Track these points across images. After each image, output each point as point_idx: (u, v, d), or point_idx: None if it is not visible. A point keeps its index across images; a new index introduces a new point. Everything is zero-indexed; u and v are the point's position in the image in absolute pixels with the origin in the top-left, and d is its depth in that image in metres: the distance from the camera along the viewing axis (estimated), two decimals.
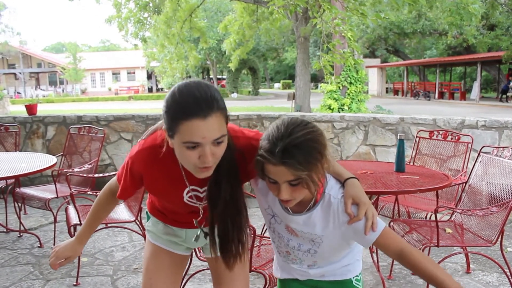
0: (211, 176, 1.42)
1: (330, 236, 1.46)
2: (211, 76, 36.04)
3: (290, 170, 1.27)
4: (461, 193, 3.28)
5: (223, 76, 44.78)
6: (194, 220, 1.62)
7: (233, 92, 37.38)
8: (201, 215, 1.60)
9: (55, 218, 3.90)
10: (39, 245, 3.91)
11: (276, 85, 57.05)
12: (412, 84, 33.18)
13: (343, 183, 1.45)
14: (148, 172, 1.51)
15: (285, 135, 1.29)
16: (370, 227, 1.37)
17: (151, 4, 18.02)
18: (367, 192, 1.52)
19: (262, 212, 1.60)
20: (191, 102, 1.25)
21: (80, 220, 3.20)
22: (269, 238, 2.44)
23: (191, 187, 1.53)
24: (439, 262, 2.87)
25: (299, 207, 1.45)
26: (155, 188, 1.57)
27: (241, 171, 1.48)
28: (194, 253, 2.66)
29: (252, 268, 2.33)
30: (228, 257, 1.51)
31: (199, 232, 1.64)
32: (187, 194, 1.55)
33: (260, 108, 22.33)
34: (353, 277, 1.60)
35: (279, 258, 1.65)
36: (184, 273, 2.97)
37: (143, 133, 1.57)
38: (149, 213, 1.78)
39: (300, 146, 1.27)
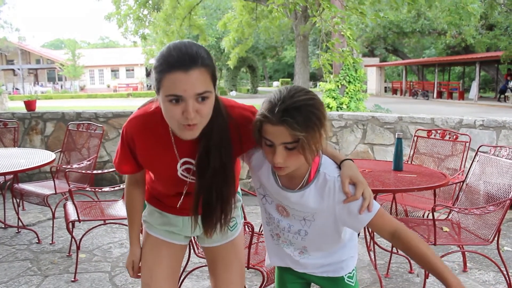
0: (202, 143, 1.42)
1: (323, 215, 1.45)
2: None
3: (288, 130, 1.27)
4: (459, 192, 3.29)
5: None
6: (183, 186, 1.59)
7: (231, 90, 37.34)
8: (187, 187, 1.58)
9: (53, 214, 3.90)
10: (37, 241, 3.91)
11: (275, 83, 56.97)
12: (411, 83, 33.19)
13: (339, 164, 1.46)
14: (141, 140, 1.52)
15: (286, 97, 1.30)
16: (366, 207, 1.37)
17: (150, 1, 18.00)
18: None
19: (256, 193, 1.60)
20: (175, 56, 1.28)
21: (78, 217, 3.20)
22: None
23: (183, 159, 1.52)
24: None
25: (292, 183, 1.45)
26: (148, 159, 1.56)
27: (235, 142, 1.47)
28: (192, 250, 2.67)
29: (250, 265, 2.34)
30: (208, 225, 1.52)
31: (182, 196, 1.62)
32: (181, 167, 1.54)
33: (258, 106, 22.27)
34: (346, 275, 1.61)
35: (271, 242, 1.64)
36: (183, 268, 2.99)
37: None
38: (146, 201, 1.78)
39: (300, 109, 1.28)
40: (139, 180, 1.71)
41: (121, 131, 1.57)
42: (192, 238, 2.24)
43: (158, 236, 1.74)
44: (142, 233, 1.82)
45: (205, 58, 1.31)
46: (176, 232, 1.74)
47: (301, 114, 1.27)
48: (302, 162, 1.35)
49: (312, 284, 1.73)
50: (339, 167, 1.45)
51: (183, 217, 1.69)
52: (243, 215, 1.85)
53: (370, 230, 3.22)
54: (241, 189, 1.88)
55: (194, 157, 1.50)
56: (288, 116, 1.26)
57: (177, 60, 1.27)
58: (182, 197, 1.61)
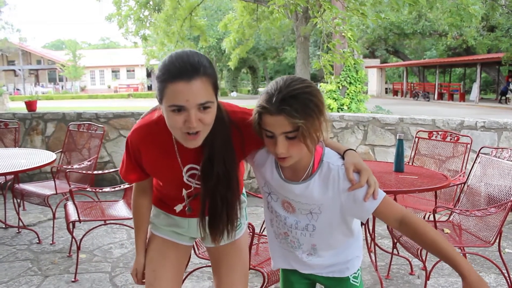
0: (206, 151, 1.42)
1: (329, 206, 1.44)
2: None
3: (287, 118, 1.27)
4: (460, 194, 3.29)
5: None
6: (183, 190, 1.59)
7: (232, 91, 37.37)
8: (192, 189, 1.59)
9: (54, 215, 3.90)
10: (37, 241, 3.91)
11: None
12: (412, 84, 33.19)
13: (342, 155, 1.45)
14: (146, 149, 1.52)
15: (283, 87, 1.30)
16: (371, 194, 1.36)
17: (151, 2, 18.01)
18: None
19: (261, 193, 1.59)
20: (178, 66, 1.29)
21: (79, 217, 3.20)
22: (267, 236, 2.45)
23: (188, 165, 1.53)
24: (436, 262, 2.87)
25: (296, 176, 1.44)
26: (154, 167, 1.57)
27: (237, 147, 1.48)
28: (192, 251, 2.66)
29: (251, 266, 2.33)
30: (215, 232, 1.52)
31: (186, 201, 1.63)
32: (186, 173, 1.55)
33: None
34: (351, 275, 1.60)
35: (277, 245, 1.63)
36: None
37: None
38: (152, 204, 1.78)
39: (297, 97, 1.28)
40: (147, 188, 1.71)
41: (125, 141, 1.57)
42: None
43: (164, 236, 1.74)
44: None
45: (207, 67, 1.31)
46: (181, 233, 1.74)
47: (298, 102, 1.27)
48: (304, 151, 1.35)
49: (317, 284, 1.73)
50: (342, 157, 1.45)
51: (189, 219, 1.69)
52: (247, 216, 1.85)
53: (371, 231, 3.21)
54: None
55: (198, 163, 1.50)
56: (286, 105, 1.27)
57: (179, 70, 1.28)
58: (189, 191, 1.60)
